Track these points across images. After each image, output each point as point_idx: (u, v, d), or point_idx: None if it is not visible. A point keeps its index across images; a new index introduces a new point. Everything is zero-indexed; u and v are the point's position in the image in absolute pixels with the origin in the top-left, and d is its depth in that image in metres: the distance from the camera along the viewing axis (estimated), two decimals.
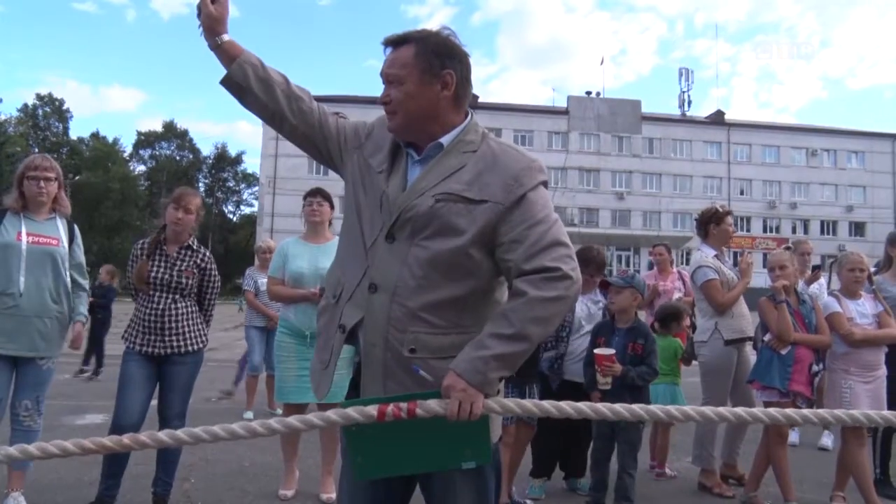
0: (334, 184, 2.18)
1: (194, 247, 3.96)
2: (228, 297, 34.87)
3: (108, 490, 3.70)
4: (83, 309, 3.95)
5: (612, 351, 3.95)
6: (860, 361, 4.18)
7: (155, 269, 3.83)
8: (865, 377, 4.17)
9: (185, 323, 3.84)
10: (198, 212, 3.98)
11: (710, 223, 4.87)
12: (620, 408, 1.94)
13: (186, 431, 1.84)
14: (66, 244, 3.82)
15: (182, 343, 3.80)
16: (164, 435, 1.85)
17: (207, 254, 4.03)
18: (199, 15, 1.90)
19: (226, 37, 1.91)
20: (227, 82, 1.93)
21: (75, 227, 3.97)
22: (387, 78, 1.88)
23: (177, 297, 3.84)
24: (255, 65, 1.92)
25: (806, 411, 2.05)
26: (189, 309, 3.88)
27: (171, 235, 3.93)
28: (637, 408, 1.95)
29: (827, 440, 5.98)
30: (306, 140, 2.03)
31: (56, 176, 3.79)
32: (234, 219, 71.45)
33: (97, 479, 3.75)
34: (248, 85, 1.91)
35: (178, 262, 3.87)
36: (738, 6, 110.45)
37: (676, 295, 6.49)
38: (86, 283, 3.98)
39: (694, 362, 4.97)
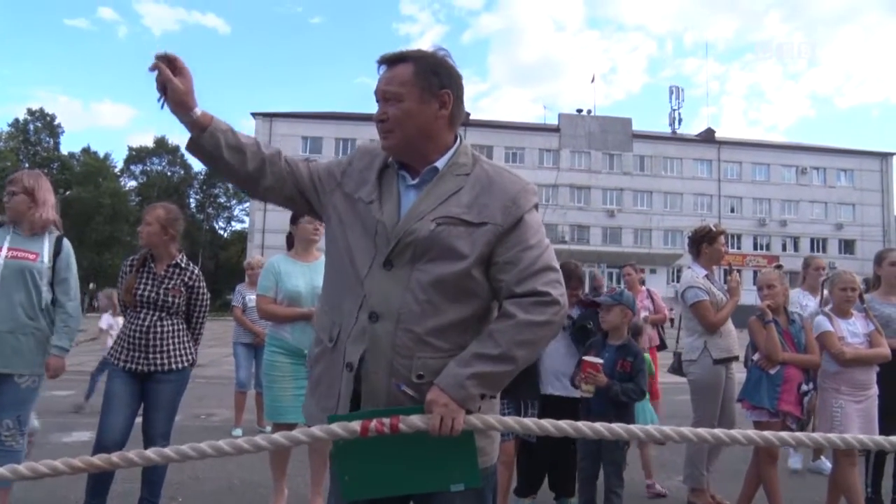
0: None
1: (182, 264, 3.92)
2: (218, 313, 34.71)
3: None
4: (60, 340, 3.69)
5: (600, 360, 3.93)
6: (851, 381, 4.18)
7: (142, 286, 3.80)
8: (857, 397, 4.17)
9: (171, 341, 3.79)
10: (160, 223, 3.83)
11: (703, 242, 4.89)
12: (601, 426, 1.94)
13: (174, 449, 1.84)
14: (45, 259, 3.69)
15: (166, 361, 3.76)
16: (152, 453, 1.86)
17: (196, 271, 3.99)
18: (160, 88, 1.81)
19: (198, 111, 1.83)
20: (195, 150, 1.87)
21: (64, 241, 3.83)
22: (383, 95, 1.85)
23: (163, 314, 3.80)
24: (226, 131, 1.87)
25: (784, 434, 2.07)
26: (175, 327, 3.84)
27: (155, 252, 3.89)
28: (618, 427, 1.95)
29: (796, 462, 5.81)
30: (283, 197, 2.01)
31: (22, 190, 3.67)
32: (225, 235, 71.27)
33: (83, 498, 3.70)
34: (220, 154, 1.86)
35: (166, 280, 3.83)
36: (727, 25, 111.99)
37: (643, 314, 6.52)
38: (70, 302, 3.74)
39: (682, 379, 4.96)
